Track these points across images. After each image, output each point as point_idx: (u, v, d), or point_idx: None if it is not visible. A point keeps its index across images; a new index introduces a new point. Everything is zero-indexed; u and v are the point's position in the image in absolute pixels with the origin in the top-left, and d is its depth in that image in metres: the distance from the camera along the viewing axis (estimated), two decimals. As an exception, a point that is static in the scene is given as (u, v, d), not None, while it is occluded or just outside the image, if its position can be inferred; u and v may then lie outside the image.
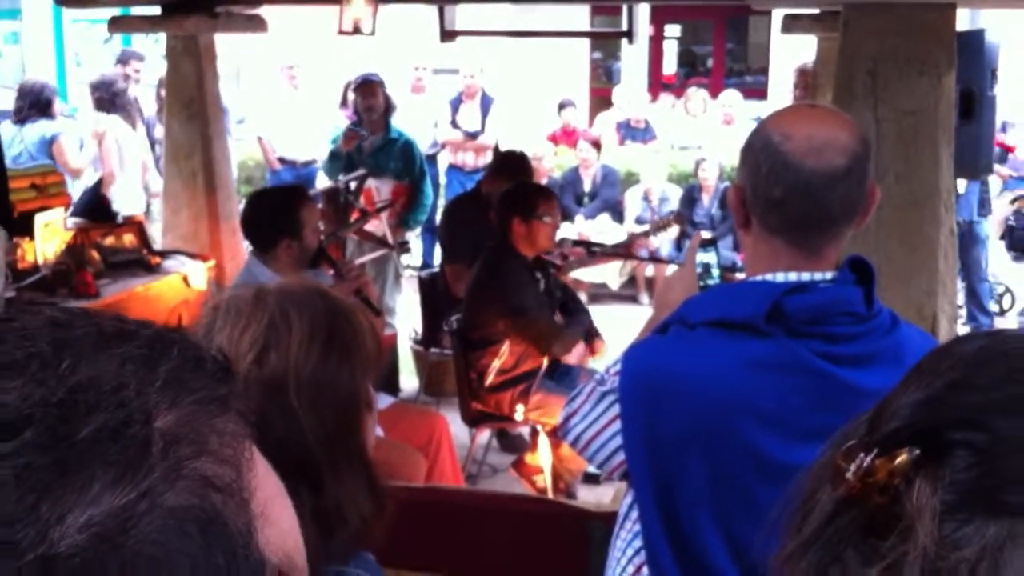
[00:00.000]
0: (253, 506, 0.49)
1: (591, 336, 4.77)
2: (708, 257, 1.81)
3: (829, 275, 1.58)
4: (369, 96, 6.02)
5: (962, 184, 6.16)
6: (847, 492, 0.69)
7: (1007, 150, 7.55)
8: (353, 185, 5.55)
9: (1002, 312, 7.57)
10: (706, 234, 1.86)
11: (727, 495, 1.56)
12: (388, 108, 6.09)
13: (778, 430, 1.53)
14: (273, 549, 0.50)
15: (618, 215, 8.42)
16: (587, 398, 1.72)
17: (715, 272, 1.81)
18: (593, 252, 5.14)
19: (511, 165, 5.37)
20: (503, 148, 6.03)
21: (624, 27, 5.64)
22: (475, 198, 5.52)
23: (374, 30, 4.68)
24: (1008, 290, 7.67)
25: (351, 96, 6.59)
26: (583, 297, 6.88)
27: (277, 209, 3.70)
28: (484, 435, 4.99)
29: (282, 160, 7.76)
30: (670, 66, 14.92)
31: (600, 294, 8.18)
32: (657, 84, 13.61)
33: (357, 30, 4.54)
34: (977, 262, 7.07)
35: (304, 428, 1.27)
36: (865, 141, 1.55)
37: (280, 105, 7.93)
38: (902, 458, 0.66)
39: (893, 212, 2.80)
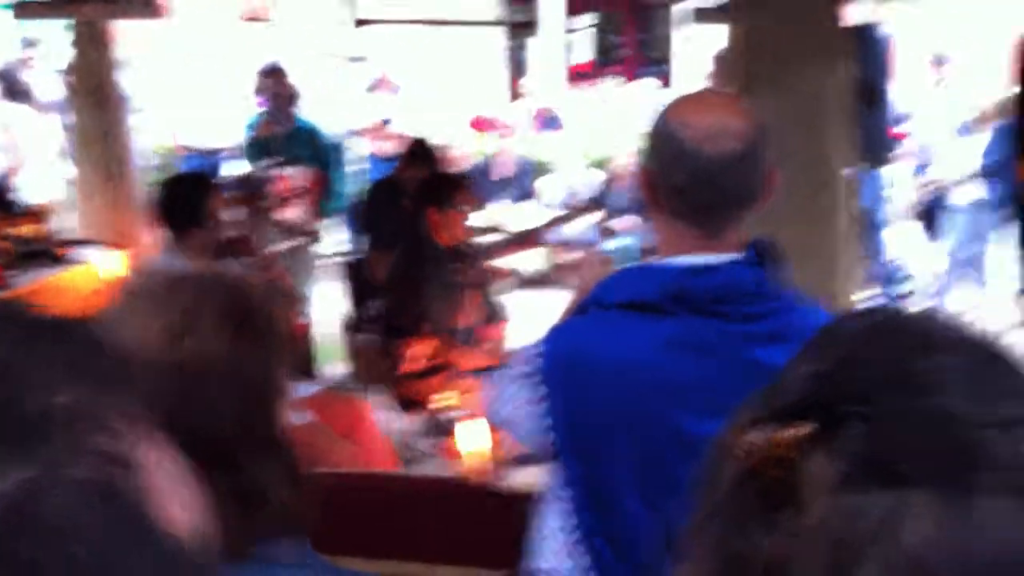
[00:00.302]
0: (154, 482, 0.51)
1: (496, 319, 4.82)
2: (623, 241, 1.86)
3: (732, 257, 1.64)
4: (276, 83, 5.98)
5: (853, 171, 6.31)
6: (746, 466, 0.72)
7: (899, 137, 7.76)
8: (266, 173, 5.51)
9: (910, 294, 7.78)
10: (622, 221, 1.90)
11: (651, 474, 1.60)
12: (293, 96, 6.06)
13: (695, 409, 1.57)
14: (177, 524, 0.52)
15: (534, 203, 8.46)
16: (510, 380, 1.75)
17: (630, 255, 1.85)
18: (510, 241, 5.19)
19: (422, 152, 5.42)
20: (416, 135, 6.05)
21: (528, 17, 5.68)
22: (391, 185, 5.54)
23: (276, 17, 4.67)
24: (918, 273, 7.88)
25: (261, 84, 6.54)
26: (505, 284, 6.90)
27: (182, 197, 3.75)
28: (414, 420, 4.99)
29: (190, 148, 7.66)
30: (585, 55, 14.98)
31: (521, 280, 8.21)
32: (572, 73, 13.66)
33: (258, 17, 4.52)
34: (877, 246, 7.26)
35: (219, 413, 1.27)
36: (760, 127, 1.61)
37: (187, 93, 7.83)
38: (797, 431, 0.69)
39: (795, 196, 2.88)
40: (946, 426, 0.65)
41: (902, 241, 7.71)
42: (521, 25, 7.81)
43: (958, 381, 0.67)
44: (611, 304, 1.64)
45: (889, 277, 7.49)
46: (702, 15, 3.98)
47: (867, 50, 4.07)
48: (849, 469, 0.66)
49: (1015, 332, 1.94)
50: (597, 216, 7.03)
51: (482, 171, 8.42)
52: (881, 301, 7.25)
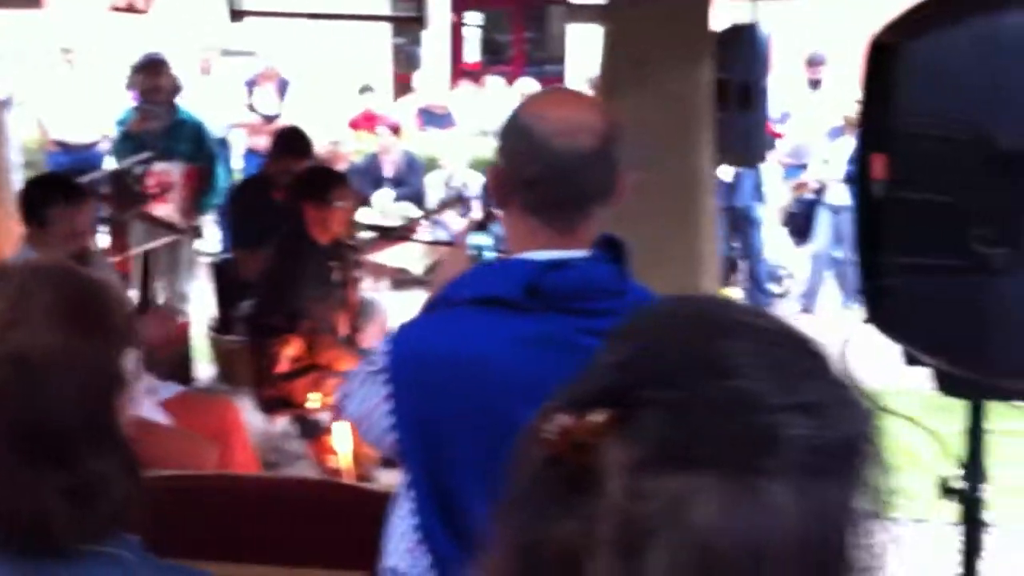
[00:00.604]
0: None
1: (373, 318, 4.80)
2: (482, 239, 1.86)
3: (586, 253, 1.64)
4: (154, 77, 5.84)
5: (731, 171, 6.48)
6: (549, 452, 0.72)
7: (775, 136, 7.96)
8: (138, 169, 5.38)
9: (784, 294, 7.99)
10: (493, 214, 1.89)
11: (495, 469, 1.59)
12: (174, 89, 5.94)
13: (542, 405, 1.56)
14: None
15: (419, 200, 8.44)
16: (359, 379, 1.73)
17: (489, 253, 1.85)
18: (379, 237, 5.18)
19: (292, 143, 5.38)
20: (289, 126, 5.99)
21: (417, 13, 5.66)
22: (261, 181, 5.49)
23: (148, 8, 4.57)
24: (790, 274, 8.10)
25: (134, 78, 6.38)
26: (387, 283, 6.87)
27: (29, 196, 3.80)
28: (282, 422, 4.94)
29: (60, 143, 7.43)
30: (473, 53, 15.01)
31: (404, 279, 8.16)
32: (459, 71, 13.68)
33: (131, 8, 4.41)
34: (754, 245, 7.44)
35: (57, 405, 1.25)
36: (614, 124, 1.62)
37: (58, 86, 7.60)
38: (595, 418, 0.70)
39: (657, 195, 2.93)
40: (740, 410, 0.66)
41: (776, 241, 7.91)
42: (408, 20, 7.74)
43: (755, 366, 0.68)
44: (462, 300, 1.63)
45: (766, 275, 7.68)
46: (575, 14, 4.03)
47: (746, 49, 4.15)
48: (645, 454, 0.67)
49: (861, 329, 2.03)
50: (468, 213, 7.05)
51: (366, 168, 8.36)
52: (760, 301, 7.43)
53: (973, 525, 2.24)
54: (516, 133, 1.62)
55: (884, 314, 2.01)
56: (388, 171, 8.41)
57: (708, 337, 0.71)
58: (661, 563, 0.64)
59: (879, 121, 1.96)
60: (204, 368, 5.84)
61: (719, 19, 4.28)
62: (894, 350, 2.10)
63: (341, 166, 7.10)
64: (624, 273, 1.65)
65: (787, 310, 7.77)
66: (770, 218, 7.79)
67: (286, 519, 2.81)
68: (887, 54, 1.92)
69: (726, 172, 6.52)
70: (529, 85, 9.71)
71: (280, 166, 5.15)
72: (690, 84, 3.13)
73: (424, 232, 6.29)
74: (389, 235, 5.32)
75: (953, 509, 2.28)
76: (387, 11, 11.69)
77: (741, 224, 7.36)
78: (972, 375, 1.96)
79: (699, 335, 0.72)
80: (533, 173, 1.59)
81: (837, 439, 0.67)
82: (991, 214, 1.81)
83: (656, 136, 3.01)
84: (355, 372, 1.76)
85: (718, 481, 0.64)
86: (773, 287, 7.81)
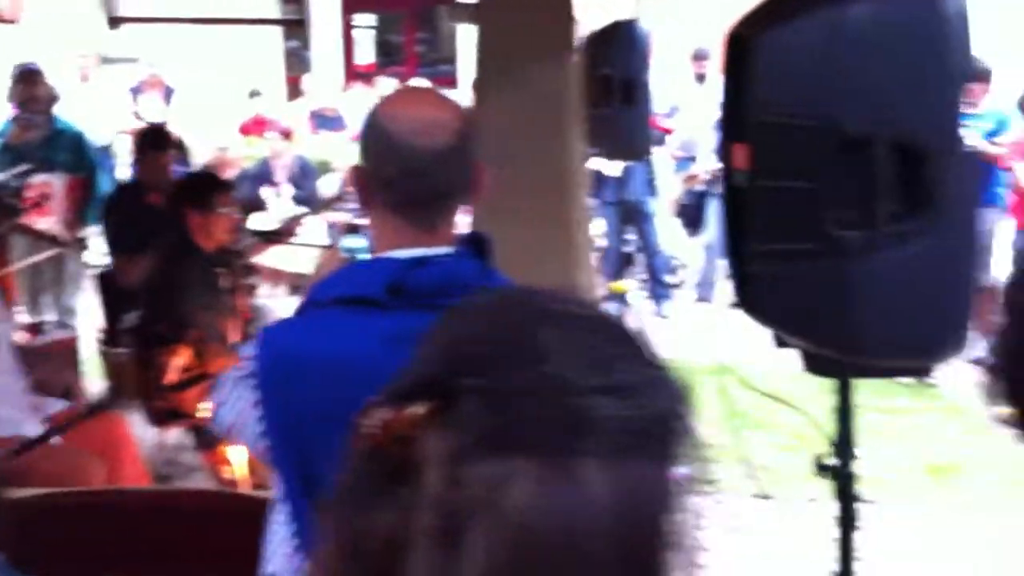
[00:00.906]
0: None
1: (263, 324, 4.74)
2: (355, 241, 1.87)
3: (448, 250, 1.66)
4: (31, 87, 5.70)
5: (618, 166, 6.55)
6: (370, 446, 0.73)
7: (665, 132, 8.09)
8: (17, 181, 5.24)
9: (680, 285, 8.12)
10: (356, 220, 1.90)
11: None
12: (51, 99, 5.80)
13: None
14: None
15: (314, 204, 8.35)
16: (228, 385, 1.71)
17: (362, 256, 1.86)
18: (260, 239, 5.13)
19: (151, 140, 5.31)
20: (154, 126, 5.89)
21: (301, 15, 5.63)
22: (134, 186, 5.40)
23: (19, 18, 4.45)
24: (684, 264, 8.24)
25: (13, 89, 6.21)
26: (284, 288, 6.78)
27: None
28: (176, 433, 4.85)
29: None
30: (366, 55, 14.92)
31: (301, 284, 8.05)
32: (352, 73, 13.60)
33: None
34: (649, 238, 7.55)
35: None
36: (468, 121, 1.65)
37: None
38: (415, 410, 0.71)
39: (528, 192, 2.96)
40: (553, 394, 0.67)
41: (669, 233, 8.03)
42: (290, 23, 7.68)
43: (567, 351, 0.69)
44: (328, 301, 1.63)
45: (663, 267, 7.80)
46: (458, 13, 4.04)
47: (626, 45, 4.20)
48: (463, 442, 0.68)
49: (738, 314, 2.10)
50: (341, 214, 7.01)
51: (257, 174, 8.23)
52: (658, 292, 7.53)
53: (847, 501, 2.30)
54: (373, 133, 1.63)
55: (751, 299, 2.07)
56: (280, 176, 8.29)
57: (523, 326, 0.72)
58: (478, 549, 0.65)
59: (739, 112, 2.01)
60: (93, 382, 5.70)
61: (600, 16, 4.33)
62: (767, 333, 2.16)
63: (231, 172, 7.00)
64: (487, 268, 1.67)
65: (684, 300, 7.91)
66: (663, 211, 7.91)
67: (175, 531, 2.76)
68: (742, 46, 1.98)
69: (616, 167, 6.59)
70: (419, 86, 9.71)
71: (147, 166, 5.08)
72: (558, 81, 3.16)
73: (314, 234, 6.24)
74: (269, 238, 5.27)
75: (829, 486, 2.34)
76: (272, 14, 11.56)
77: (635, 218, 7.45)
78: (835, 355, 2.02)
79: (515, 324, 0.73)
80: (391, 172, 1.61)
81: (648, 419, 0.69)
82: (845, 198, 1.87)
83: (526, 133, 3.04)
84: (225, 379, 1.74)
85: (532, 465, 0.66)
86: (669, 278, 7.94)
